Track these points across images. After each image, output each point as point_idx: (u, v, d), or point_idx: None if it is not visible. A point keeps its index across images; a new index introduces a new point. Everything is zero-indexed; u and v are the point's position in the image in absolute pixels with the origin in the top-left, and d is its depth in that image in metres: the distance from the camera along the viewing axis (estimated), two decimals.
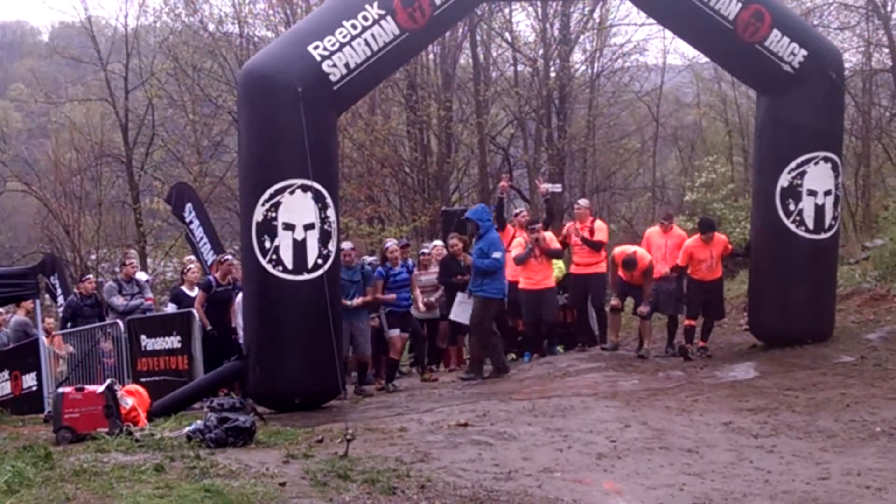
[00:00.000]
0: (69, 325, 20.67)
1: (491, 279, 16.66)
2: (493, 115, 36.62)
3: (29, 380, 19.22)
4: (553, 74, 35.54)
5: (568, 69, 35.93)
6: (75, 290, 22.58)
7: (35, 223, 42.81)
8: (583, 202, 20.26)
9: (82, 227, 40.20)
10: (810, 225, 16.90)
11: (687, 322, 17.88)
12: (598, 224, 19.05)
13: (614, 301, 17.95)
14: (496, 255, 16.66)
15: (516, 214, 20.62)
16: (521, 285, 18.21)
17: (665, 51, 61.71)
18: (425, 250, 19.45)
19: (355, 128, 34.08)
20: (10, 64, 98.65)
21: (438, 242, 20.12)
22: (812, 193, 16.90)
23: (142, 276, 21.50)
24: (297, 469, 10.05)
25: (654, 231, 18.91)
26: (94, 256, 39.93)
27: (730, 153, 37.38)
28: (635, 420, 12.45)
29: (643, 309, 17.53)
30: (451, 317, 17.95)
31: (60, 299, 25.56)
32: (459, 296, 17.70)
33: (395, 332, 17.43)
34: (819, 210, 16.94)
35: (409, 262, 18.00)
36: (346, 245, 17.26)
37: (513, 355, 19.39)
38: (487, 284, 16.66)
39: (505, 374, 16.81)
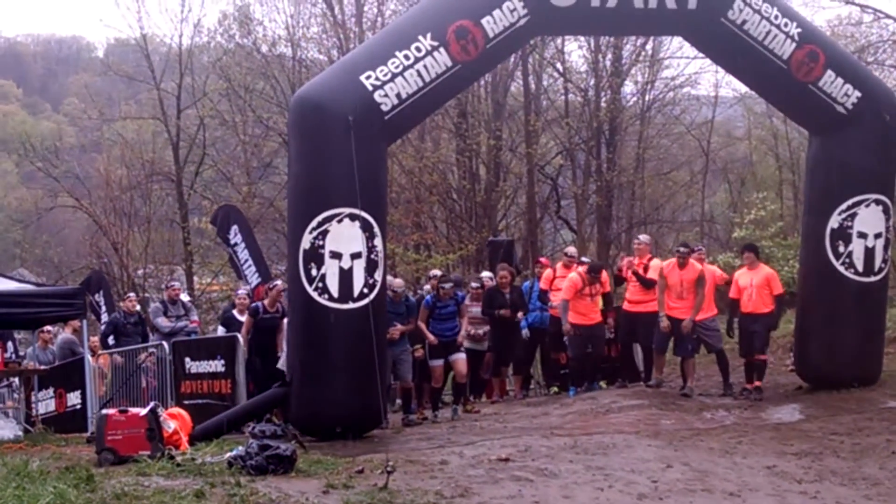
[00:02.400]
0: (110, 341, 20.83)
1: None
2: (542, 145, 36.61)
3: (73, 398, 19.34)
4: (604, 105, 35.47)
5: (619, 101, 35.89)
6: (119, 307, 22.76)
7: (84, 238, 43.16)
8: (643, 238, 20.10)
9: (131, 243, 40.44)
10: (860, 267, 16.82)
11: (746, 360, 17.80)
12: (654, 262, 18.77)
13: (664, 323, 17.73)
14: None
15: (565, 254, 20.52)
16: (571, 319, 18.10)
17: (717, 84, 61.27)
18: (475, 284, 19.33)
19: (405, 154, 34.16)
20: (65, 78, 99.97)
21: (487, 274, 20.08)
22: (862, 236, 16.82)
23: (183, 297, 21.63)
24: (336, 499, 10.05)
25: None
26: (141, 273, 40.17)
27: (780, 189, 37.18)
28: (677, 460, 12.36)
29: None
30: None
31: (104, 317, 25.70)
32: None
33: (437, 363, 17.39)
34: (869, 252, 16.86)
35: (459, 294, 17.91)
36: (398, 284, 17.29)
37: (555, 388, 19.36)
38: None
39: None
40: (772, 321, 17.61)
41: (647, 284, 18.27)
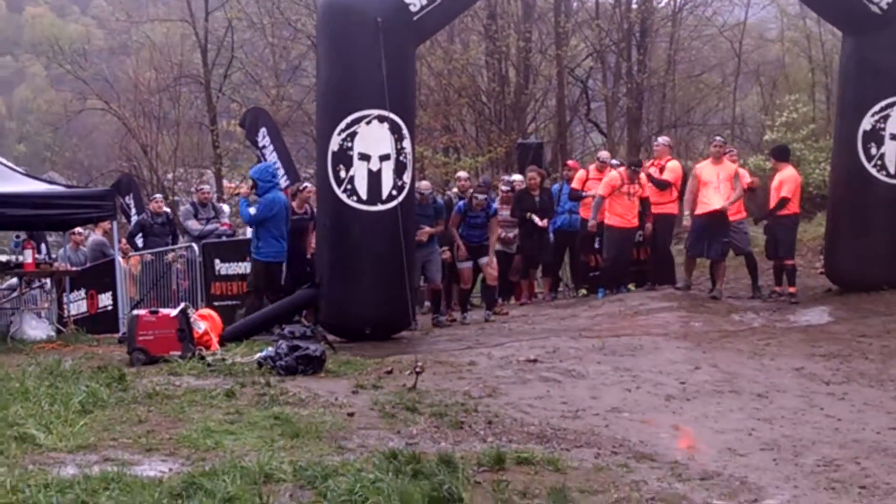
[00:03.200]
0: (138, 241, 20.98)
1: (265, 241, 15.85)
2: (572, 47, 36.16)
3: (104, 299, 19.47)
4: (635, 7, 35.04)
5: (650, 2, 35.43)
6: (147, 209, 22.89)
7: (114, 141, 43.16)
8: (662, 140, 19.99)
9: (160, 146, 40.46)
10: (892, 170, 16.65)
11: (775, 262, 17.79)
12: (672, 164, 18.69)
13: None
14: (252, 210, 15.90)
15: (598, 158, 20.45)
16: (608, 221, 18.02)
17: None
18: (506, 188, 19.26)
19: (433, 56, 33.90)
20: None
21: (518, 177, 20.00)
22: (895, 138, 16.63)
23: (225, 208, 21.72)
24: (365, 399, 10.14)
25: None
26: (170, 176, 40.23)
27: (812, 91, 36.72)
28: (705, 362, 12.40)
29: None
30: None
31: (134, 219, 25.82)
32: None
33: (465, 265, 17.39)
34: None
35: (492, 206, 17.81)
36: (425, 186, 17.22)
37: (584, 291, 19.36)
38: (262, 247, 15.90)
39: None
40: (783, 225, 17.46)
41: (660, 186, 18.25)
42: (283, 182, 22.21)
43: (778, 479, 7.98)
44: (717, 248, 17.37)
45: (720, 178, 17.31)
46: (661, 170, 18.48)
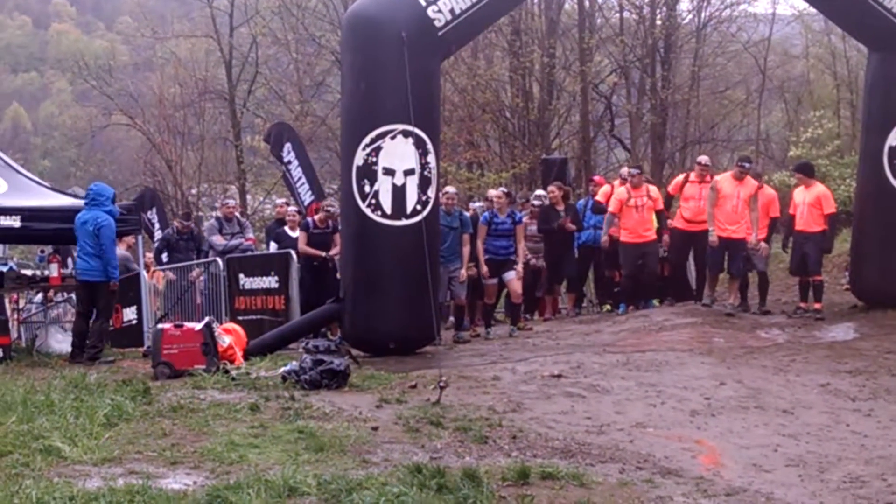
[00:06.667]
0: (163, 257, 21.01)
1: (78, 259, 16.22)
2: (596, 63, 36.15)
3: (129, 313, 19.48)
4: (659, 23, 35.01)
5: (674, 18, 35.37)
6: (172, 224, 22.88)
7: (138, 157, 43.38)
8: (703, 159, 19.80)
9: (184, 162, 40.66)
10: None
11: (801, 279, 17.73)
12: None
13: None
14: None
15: (620, 175, 20.40)
16: (622, 238, 18.04)
17: (774, 0, 60.51)
18: (536, 202, 19.18)
19: (458, 72, 33.93)
20: None
21: (542, 192, 19.99)
22: None
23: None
24: (389, 414, 10.14)
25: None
26: (194, 191, 40.38)
27: (837, 108, 36.62)
28: (730, 378, 12.35)
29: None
30: None
31: (157, 234, 25.88)
32: None
33: (490, 281, 17.34)
34: None
35: (517, 213, 17.79)
36: (451, 189, 17.21)
37: (608, 306, 19.32)
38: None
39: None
40: (824, 242, 17.44)
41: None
42: (308, 197, 22.30)
43: (804, 496, 7.95)
44: (737, 265, 17.34)
45: (740, 197, 17.26)
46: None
